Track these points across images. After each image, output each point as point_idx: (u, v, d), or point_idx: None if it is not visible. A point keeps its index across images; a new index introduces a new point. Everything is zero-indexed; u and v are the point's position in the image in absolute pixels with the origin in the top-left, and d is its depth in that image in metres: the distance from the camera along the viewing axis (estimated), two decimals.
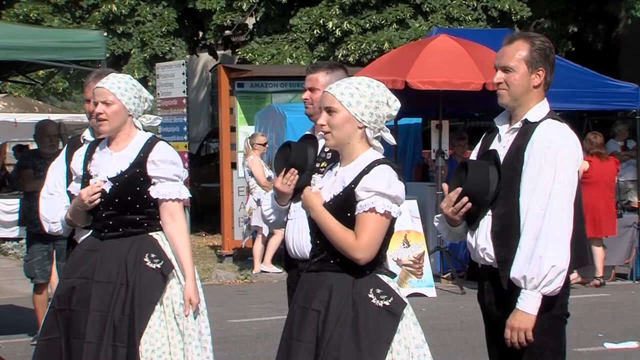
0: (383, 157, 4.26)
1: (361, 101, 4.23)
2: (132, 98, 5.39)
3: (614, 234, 13.77)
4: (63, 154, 6.12)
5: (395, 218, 4.23)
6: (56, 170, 6.03)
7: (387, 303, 4.17)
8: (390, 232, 4.24)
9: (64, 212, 5.71)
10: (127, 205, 5.33)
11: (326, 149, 5.29)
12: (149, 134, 5.51)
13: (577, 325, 9.11)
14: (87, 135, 6.09)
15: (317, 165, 5.27)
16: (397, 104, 4.30)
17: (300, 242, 5.29)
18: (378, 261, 4.23)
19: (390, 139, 4.30)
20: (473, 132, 15.17)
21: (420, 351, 4.25)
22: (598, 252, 13.64)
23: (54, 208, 5.82)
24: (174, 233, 5.35)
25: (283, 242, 8.07)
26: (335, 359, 4.11)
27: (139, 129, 5.47)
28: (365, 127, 4.23)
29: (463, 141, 14.57)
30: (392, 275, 4.31)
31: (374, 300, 4.16)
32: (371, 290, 4.18)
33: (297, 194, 5.28)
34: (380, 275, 4.23)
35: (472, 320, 8.79)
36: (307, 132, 5.53)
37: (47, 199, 5.90)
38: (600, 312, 11.53)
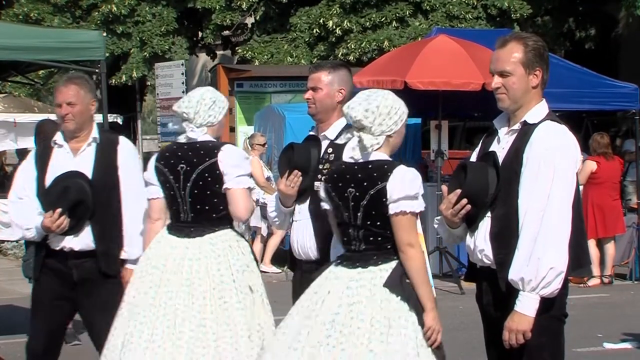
0: None
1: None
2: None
3: (624, 231, 13.81)
4: (32, 156, 6.06)
5: None
6: (25, 173, 5.97)
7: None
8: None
9: (39, 219, 5.73)
10: None
11: (329, 150, 5.29)
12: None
13: (577, 326, 9.09)
14: (58, 138, 6.03)
15: (320, 166, 5.26)
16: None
17: (305, 243, 5.29)
18: None
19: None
20: (472, 133, 15.15)
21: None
22: (609, 250, 13.66)
23: (26, 214, 5.80)
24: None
25: (283, 242, 8.04)
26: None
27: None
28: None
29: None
30: None
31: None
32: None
33: (301, 195, 5.28)
34: None
35: (471, 320, 8.76)
36: (311, 134, 5.51)
37: (17, 204, 5.87)
38: (599, 312, 11.52)
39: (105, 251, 5.87)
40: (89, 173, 5.86)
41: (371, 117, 4.56)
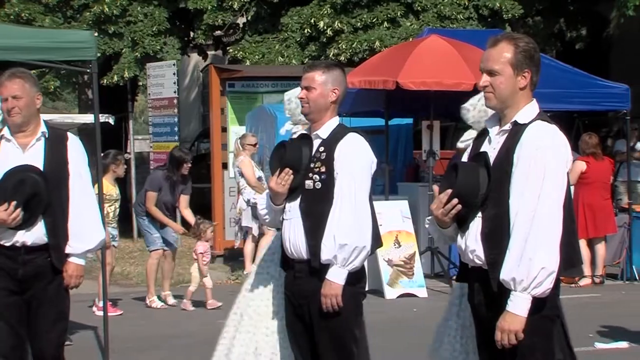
0: None
1: None
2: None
3: (615, 231, 13.84)
4: None
5: None
6: None
7: None
8: None
9: None
10: None
11: (321, 149, 5.28)
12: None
13: (568, 325, 9.11)
14: (6, 133, 6.02)
15: (312, 165, 5.26)
16: None
17: (297, 242, 5.28)
18: None
19: None
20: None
21: None
22: (600, 250, 13.70)
23: None
24: None
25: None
26: None
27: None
28: None
29: None
30: None
31: None
32: None
33: (292, 193, 5.27)
34: None
35: None
36: (303, 132, 5.52)
37: None
38: (590, 312, 11.53)
39: (57, 245, 5.89)
40: (40, 167, 5.88)
41: (467, 115, 5.15)
